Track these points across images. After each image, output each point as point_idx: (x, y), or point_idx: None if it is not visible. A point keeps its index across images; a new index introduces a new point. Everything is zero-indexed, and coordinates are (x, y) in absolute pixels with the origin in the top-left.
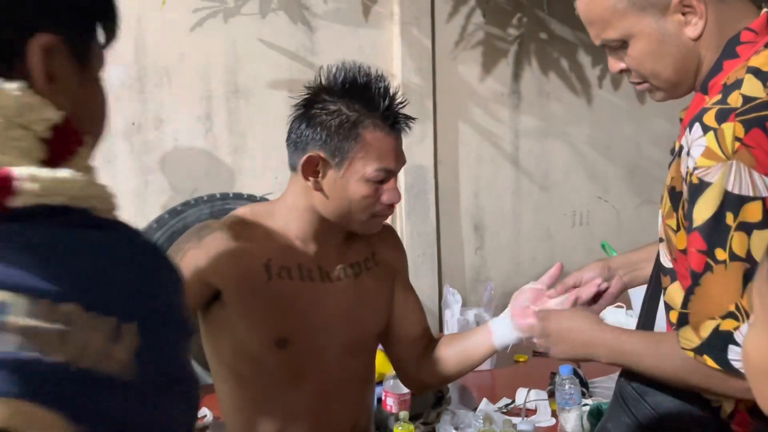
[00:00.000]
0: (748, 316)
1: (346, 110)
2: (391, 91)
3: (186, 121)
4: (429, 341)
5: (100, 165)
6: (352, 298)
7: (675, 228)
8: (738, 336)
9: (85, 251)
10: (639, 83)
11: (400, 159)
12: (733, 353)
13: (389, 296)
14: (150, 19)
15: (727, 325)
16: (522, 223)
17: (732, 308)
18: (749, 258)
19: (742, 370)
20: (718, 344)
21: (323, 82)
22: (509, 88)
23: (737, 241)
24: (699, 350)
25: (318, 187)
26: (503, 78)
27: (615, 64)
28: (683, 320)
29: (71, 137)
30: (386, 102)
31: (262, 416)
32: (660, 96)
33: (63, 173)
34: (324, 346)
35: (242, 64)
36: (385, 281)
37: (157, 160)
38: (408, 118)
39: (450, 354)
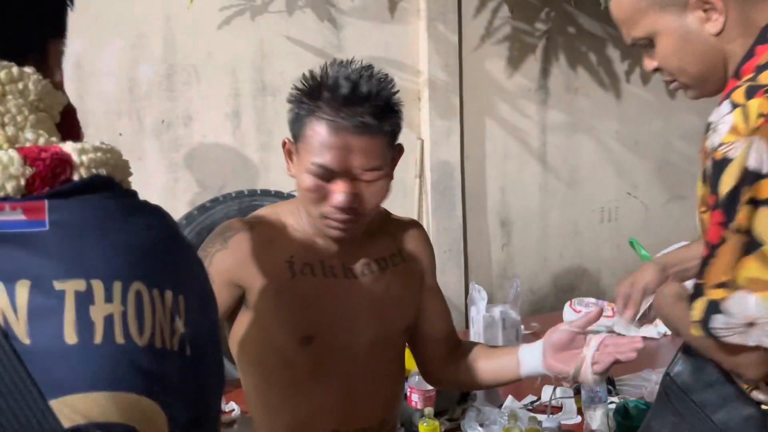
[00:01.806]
0: (737, 288)
1: (307, 100)
2: (364, 89)
3: (214, 118)
4: (454, 343)
5: (131, 163)
6: (376, 294)
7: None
8: (725, 305)
9: (140, 225)
10: (671, 81)
11: (345, 160)
12: (716, 322)
13: (417, 293)
14: (178, 18)
15: (715, 294)
16: (549, 219)
17: (724, 279)
18: (749, 233)
19: (724, 339)
20: (706, 314)
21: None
22: (536, 84)
23: (742, 215)
24: (696, 322)
25: (291, 173)
26: (530, 73)
27: (649, 63)
28: (697, 292)
29: (75, 121)
30: (334, 100)
31: (288, 412)
32: (691, 93)
33: (102, 144)
34: (349, 343)
35: (269, 62)
36: (413, 278)
37: (186, 157)
38: (366, 117)
39: (478, 369)
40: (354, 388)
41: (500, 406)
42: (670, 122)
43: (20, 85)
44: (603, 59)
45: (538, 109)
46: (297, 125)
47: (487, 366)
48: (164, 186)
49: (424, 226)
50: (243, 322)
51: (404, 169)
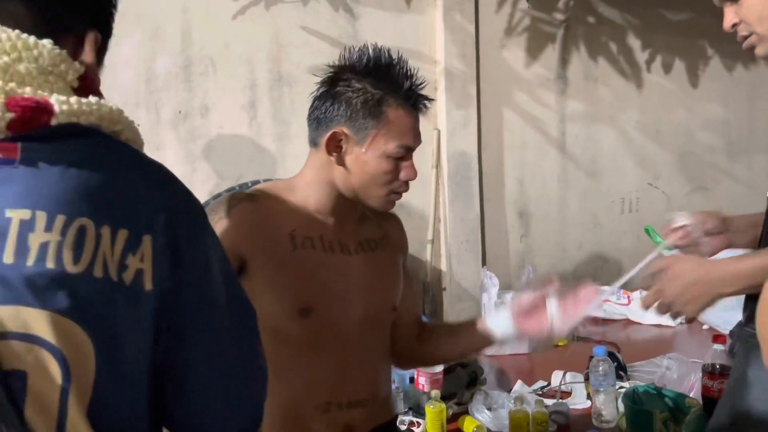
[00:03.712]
0: None
1: (371, 89)
2: (412, 72)
3: (231, 108)
4: (421, 326)
5: (149, 153)
6: (369, 271)
7: None
8: None
9: (107, 167)
10: (746, 37)
11: (418, 137)
12: None
13: (400, 275)
14: (195, 9)
15: None
16: (568, 209)
17: None
18: None
19: None
20: None
21: (348, 61)
22: (555, 73)
23: None
24: None
25: (340, 162)
26: (549, 62)
27: (730, 18)
28: None
29: (93, 85)
30: (408, 82)
31: (283, 385)
32: (764, 49)
33: (92, 98)
34: (344, 316)
35: (285, 52)
36: (397, 261)
37: (203, 148)
38: (427, 98)
39: (449, 345)
40: (346, 361)
41: (509, 391)
42: (692, 112)
43: (35, 52)
44: (623, 48)
45: (557, 99)
46: (371, 111)
47: (459, 341)
48: (182, 176)
49: (441, 216)
50: None
51: (421, 159)
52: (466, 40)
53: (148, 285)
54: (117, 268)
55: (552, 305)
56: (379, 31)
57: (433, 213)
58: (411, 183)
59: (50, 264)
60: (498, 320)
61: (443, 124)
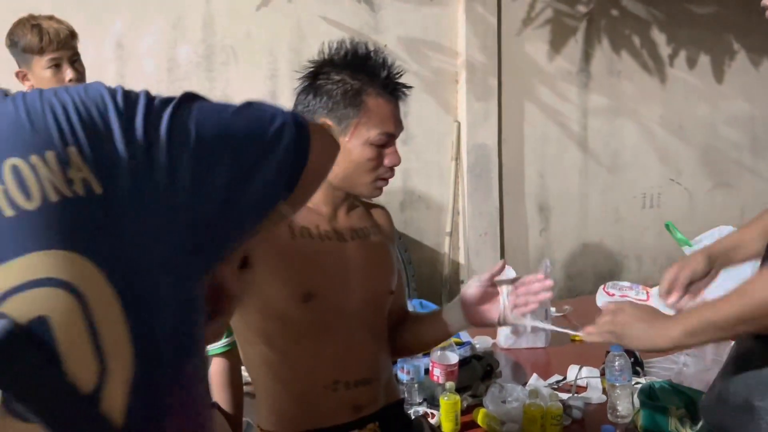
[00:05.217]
0: None
1: (350, 80)
2: (389, 61)
3: (252, 98)
4: (404, 316)
5: None
6: (365, 257)
7: None
8: None
9: (4, 112)
10: None
11: (398, 124)
12: None
13: (394, 261)
14: None
15: None
16: (589, 204)
17: None
18: None
19: None
20: None
21: (326, 56)
22: (578, 67)
23: None
24: None
25: None
26: (572, 56)
27: None
28: None
29: None
30: (386, 72)
31: (291, 364)
32: None
33: None
34: (344, 300)
35: (307, 43)
36: (389, 249)
37: None
38: (405, 86)
39: (414, 336)
40: (349, 342)
41: (524, 384)
42: (716, 107)
43: None
44: (647, 42)
45: (579, 93)
46: (351, 101)
47: (421, 332)
48: None
49: (460, 209)
50: (244, 288)
51: (440, 152)
52: (488, 32)
53: (98, 189)
54: (66, 184)
55: (504, 294)
56: (400, 23)
57: (452, 205)
58: (430, 175)
59: (8, 212)
60: (453, 315)
61: (463, 116)
